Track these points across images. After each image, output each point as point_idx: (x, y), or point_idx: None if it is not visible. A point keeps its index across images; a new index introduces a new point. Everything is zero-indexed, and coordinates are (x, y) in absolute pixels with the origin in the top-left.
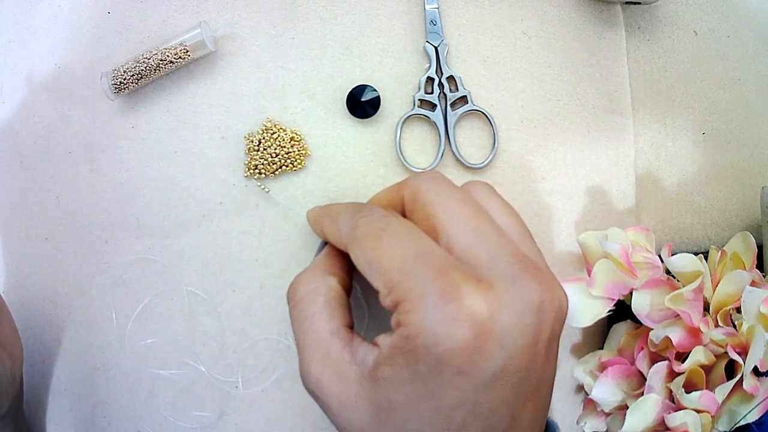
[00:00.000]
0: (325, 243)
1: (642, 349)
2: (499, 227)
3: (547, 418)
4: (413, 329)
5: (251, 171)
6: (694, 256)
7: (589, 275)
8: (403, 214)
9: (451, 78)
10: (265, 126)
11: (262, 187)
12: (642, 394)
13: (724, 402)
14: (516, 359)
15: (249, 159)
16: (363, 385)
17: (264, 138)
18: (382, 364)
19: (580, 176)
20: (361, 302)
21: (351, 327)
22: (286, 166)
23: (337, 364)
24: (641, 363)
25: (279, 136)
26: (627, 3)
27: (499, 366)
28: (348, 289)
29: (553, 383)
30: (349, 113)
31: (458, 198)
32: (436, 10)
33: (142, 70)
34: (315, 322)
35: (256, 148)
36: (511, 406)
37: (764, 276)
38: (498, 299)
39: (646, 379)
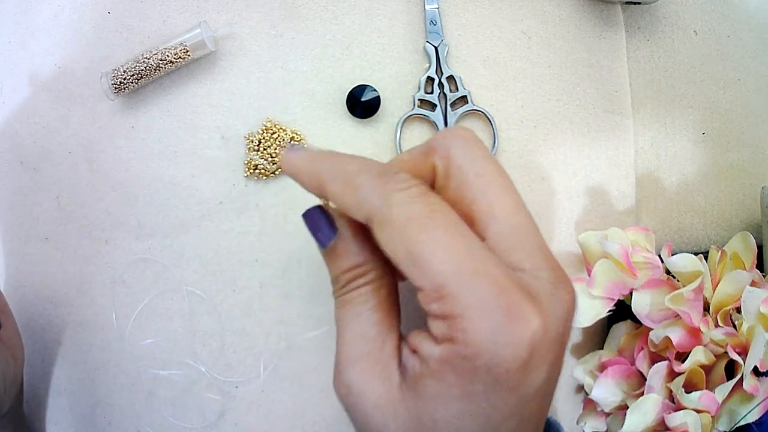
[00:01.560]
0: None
1: (642, 349)
2: (534, 223)
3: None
4: (474, 349)
5: (251, 171)
6: (694, 256)
7: (589, 275)
8: (432, 184)
9: (451, 78)
10: (265, 126)
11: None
12: (642, 394)
13: (724, 402)
14: (552, 368)
15: (249, 159)
16: (404, 394)
17: (264, 138)
18: (427, 378)
19: (580, 176)
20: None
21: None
22: None
23: (386, 362)
24: (641, 363)
25: (279, 136)
26: (627, 3)
27: (543, 378)
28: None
29: None
30: (349, 113)
31: (500, 184)
32: (436, 10)
33: (142, 70)
34: (370, 312)
35: (256, 148)
36: (543, 412)
37: (764, 276)
38: (546, 313)
39: (646, 379)
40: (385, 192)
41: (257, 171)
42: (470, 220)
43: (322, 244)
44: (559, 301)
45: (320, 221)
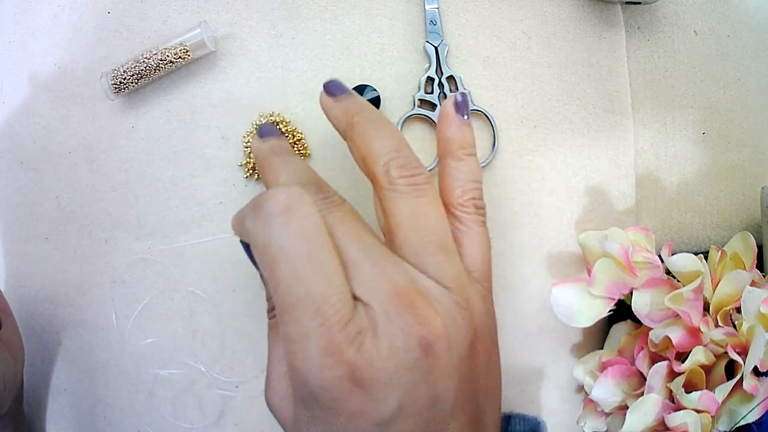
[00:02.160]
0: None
1: (642, 349)
2: (386, 253)
3: (508, 416)
4: (301, 377)
5: (250, 172)
6: (694, 256)
7: (589, 275)
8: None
9: (451, 78)
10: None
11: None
12: (642, 394)
13: (724, 402)
14: (412, 394)
15: (246, 159)
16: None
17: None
18: (296, 402)
19: (580, 176)
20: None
21: None
22: None
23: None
24: (641, 363)
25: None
26: (627, 3)
27: (394, 405)
28: None
29: (491, 391)
30: None
31: (355, 226)
32: (436, 10)
33: (142, 70)
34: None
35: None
36: (426, 430)
37: (764, 276)
38: (377, 346)
39: (646, 379)
40: (253, 216)
41: (256, 171)
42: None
43: (255, 267)
44: (396, 327)
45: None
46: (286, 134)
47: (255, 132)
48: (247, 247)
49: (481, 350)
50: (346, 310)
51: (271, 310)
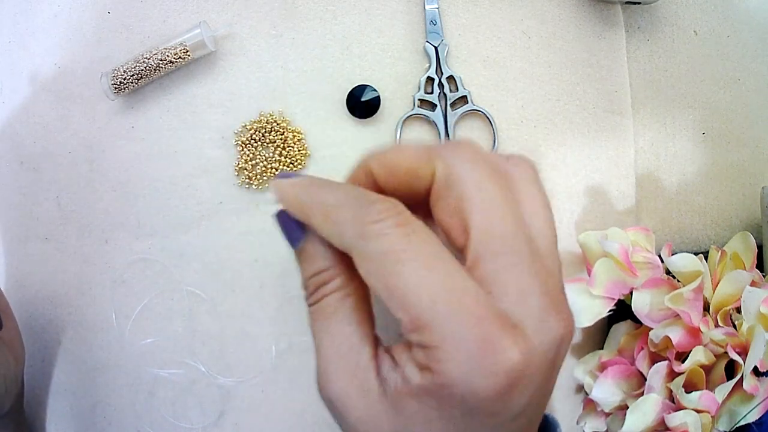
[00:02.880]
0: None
1: (642, 349)
2: (533, 246)
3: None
4: (449, 379)
5: (244, 179)
6: (694, 256)
7: (590, 275)
8: (429, 188)
9: (451, 78)
10: (253, 121)
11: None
12: (642, 394)
13: (724, 402)
14: (538, 392)
15: (242, 165)
16: (385, 407)
17: (254, 138)
18: (408, 397)
19: (580, 176)
20: None
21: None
22: (286, 167)
23: (363, 375)
24: (641, 363)
25: (273, 130)
26: (627, 3)
27: (525, 402)
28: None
29: None
30: (349, 113)
31: (499, 201)
32: (436, 10)
33: (142, 70)
34: (341, 324)
35: (245, 147)
36: (529, 425)
37: (764, 276)
38: (528, 344)
39: (646, 379)
40: (360, 225)
41: (252, 179)
42: (461, 234)
43: (292, 244)
44: (547, 329)
45: (290, 222)
46: (286, 134)
47: (275, 179)
48: (282, 216)
49: None
50: (496, 308)
51: (309, 295)
